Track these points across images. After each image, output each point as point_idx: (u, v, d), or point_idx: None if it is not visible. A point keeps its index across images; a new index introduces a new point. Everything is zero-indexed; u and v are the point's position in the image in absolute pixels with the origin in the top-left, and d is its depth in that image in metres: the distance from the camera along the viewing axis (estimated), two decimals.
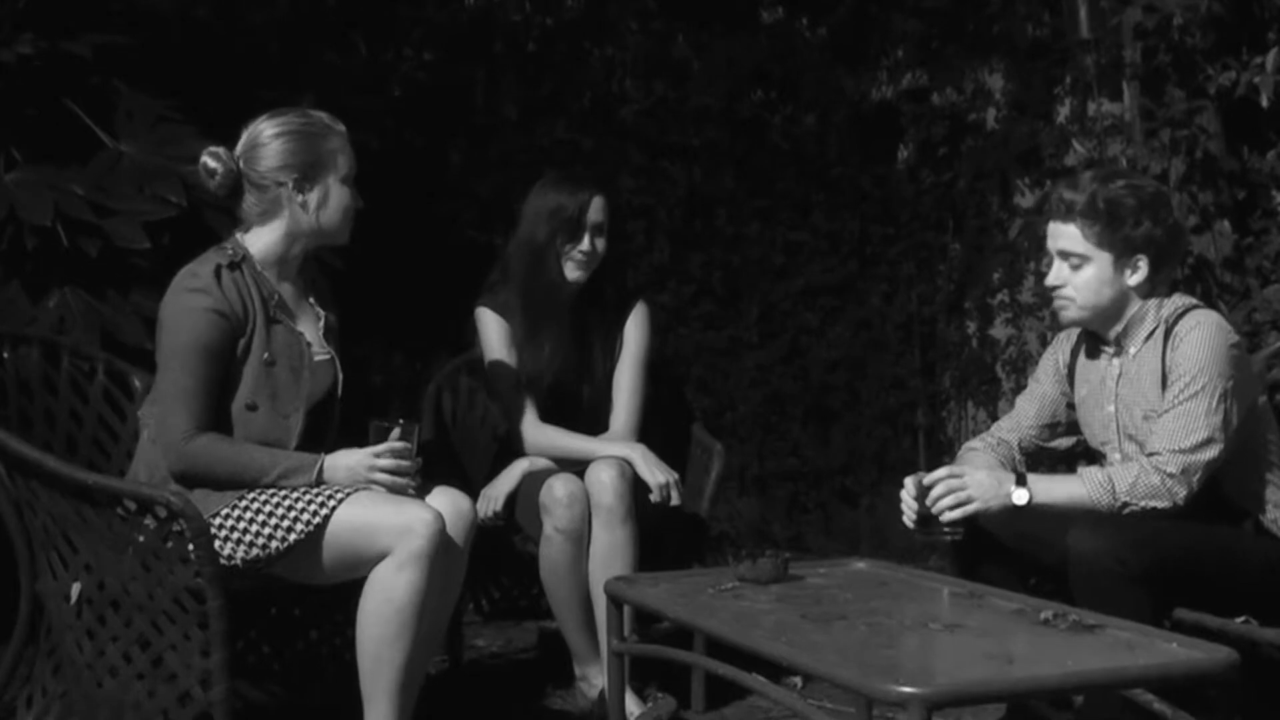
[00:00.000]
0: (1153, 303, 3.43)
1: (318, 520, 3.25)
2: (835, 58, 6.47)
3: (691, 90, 6.30)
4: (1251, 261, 5.12)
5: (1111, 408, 3.48)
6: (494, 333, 4.11)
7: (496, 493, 4.04)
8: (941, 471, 3.36)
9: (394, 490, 3.37)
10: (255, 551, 3.27)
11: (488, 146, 6.01)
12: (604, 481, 3.85)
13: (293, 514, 3.26)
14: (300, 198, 3.45)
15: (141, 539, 3.27)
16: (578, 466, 3.94)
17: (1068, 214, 3.40)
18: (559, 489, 3.85)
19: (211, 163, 3.46)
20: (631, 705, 3.74)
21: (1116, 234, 3.37)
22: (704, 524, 4.23)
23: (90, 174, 4.26)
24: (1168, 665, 2.53)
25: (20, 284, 4.17)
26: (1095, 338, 3.54)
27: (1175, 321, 3.38)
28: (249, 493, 3.31)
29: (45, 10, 4.35)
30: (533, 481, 3.97)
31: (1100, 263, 3.39)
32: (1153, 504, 3.26)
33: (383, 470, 3.36)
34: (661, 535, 4.01)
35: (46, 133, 4.32)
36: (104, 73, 4.39)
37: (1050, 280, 3.46)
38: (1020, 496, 3.28)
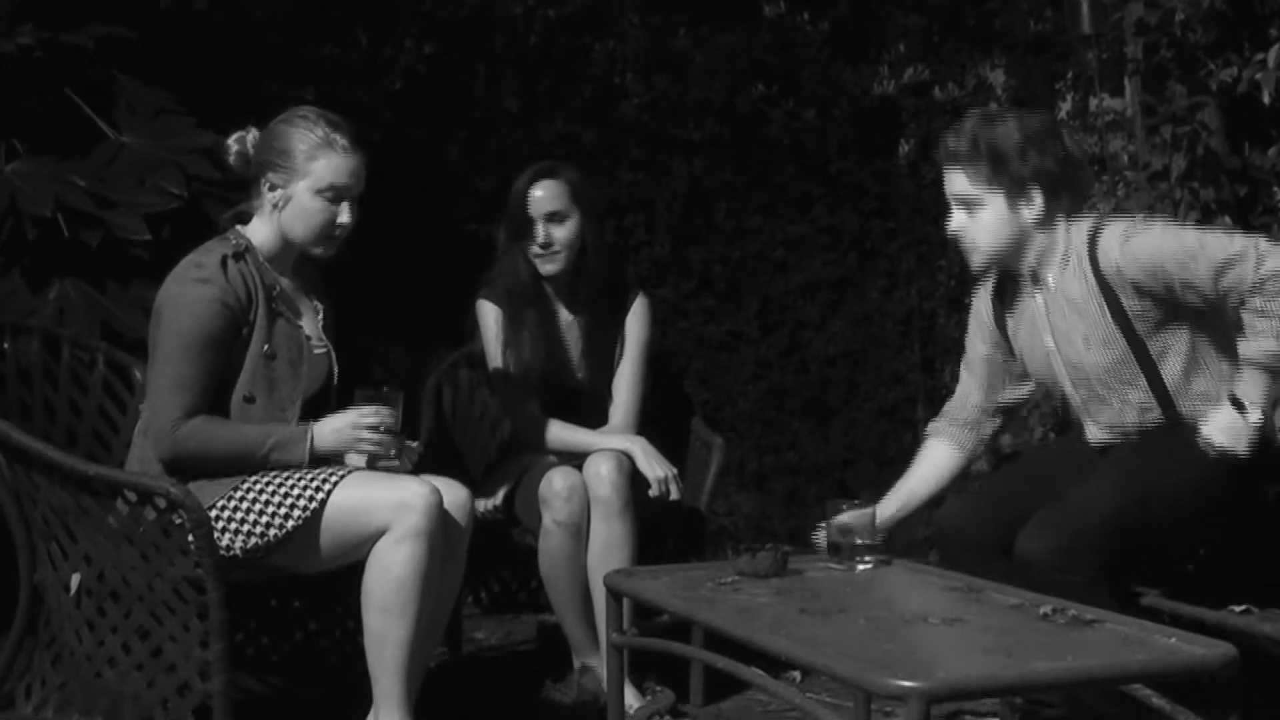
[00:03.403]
0: (1060, 230, 3.40)
1: (314, 505, 3.26)
2: (836, 52, 6.46)
3: (692, 84, 6.30)
4: None
5: (1049, 339, 3.46)
6: (493, 325, 4.11)
7: (496, 486, 4.05)
8: (854, 515, 3.34)
9: (381, 452, 3.39)
10: (254, 541, 3.27)
11: (488, 140, 6.01)
12: (602, 474, 3.85)
13: (289, 500, 3.27)
14: (270, 195, 3.46)
15: (141, 530, 3.27)
16: (577, 460, 3.94)
17: (953, 160, 3.41)
18: (558, 482, 3.85)
19: (232, 141, 3.54)
20: (630, 698, 3.74)
21: (1003, 173, 3.36)
22: (703, 518, 4.24)
23: (91, 165, 4.26)
24: (1167, 660, 2.53)
25: (21, 275, 4.18)
26: (1012, 278, 3.52)
27: (1093, 238, 3.34)
28: (244, 482, 3.32)
29: (47, 1, 4.34)
30: (532, 475, 3.98)
31: (994, 203, 3.39)
32: None
33: (369, 428, 3.37)
34: (661, 529, 4.01)
35: (47, 124, 4.32)
36: (105, 64, 4.39)
37: (951, 228, 3.45)
38: (1254, 416, 3.23)
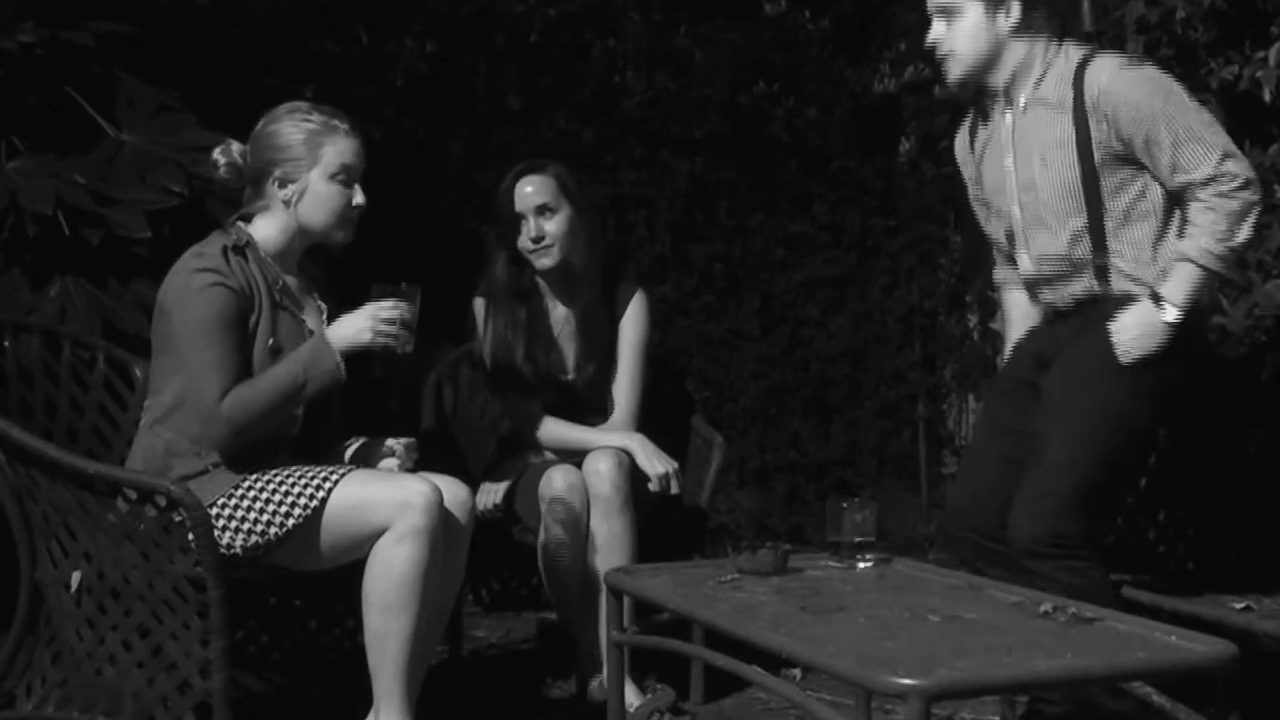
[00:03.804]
0: (1039, 47, 3.44)
1: (315, 503, 3.26)
2: (837, 50, 6.46)
3: (693, 82, 6.30)
4: (1253, 256, 5.11)
5: (1009, 159, 3.49)
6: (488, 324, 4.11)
7: (496, 485, 4.05)
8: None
9: (396, 345, 3.39)
10: (254, 539, 3.28)
11: (489, 137, 6.01)
12: (601, 472, 3.85)
13: (290, 499, 3.27)
14: (283, 192, 3.46)
15: (141, 528, 3.27)
16: (577, 457, 3.94)
17: None
18: (558, 480, 3.85)
19: (217, 155, 3.54)
20: (631, 696, 3.74)
21: None
22: (704, 515, 4.24)
23: (92, 163, 4.26)
24: (1167, 659, 2.53)
25: (21, 273, 4.17)
26: (984, 103, 3.55)
27: (1085, 62, 3.38)
28: (245, 480, 3.32)
29: None
30: (532, 473, 3.98)
31: (972, 11, 3.44)
32: (1253, 215, 3.27)
33: (386, 320, 3.38)
34: (661, 526, 4.01)
35: (48, 121, 4.32)
36: (106, 61, 4.39)
37: (930, 38, 3.51)
38: (1170, 314, 3.28)
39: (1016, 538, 3.24)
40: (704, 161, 6.29)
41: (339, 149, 3.48)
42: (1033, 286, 3.53)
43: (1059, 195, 3.40)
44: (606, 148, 6.14)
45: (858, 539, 3.29)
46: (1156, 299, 3.28)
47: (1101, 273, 3.38)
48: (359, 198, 3.51)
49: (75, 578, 3.38)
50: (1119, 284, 3.37)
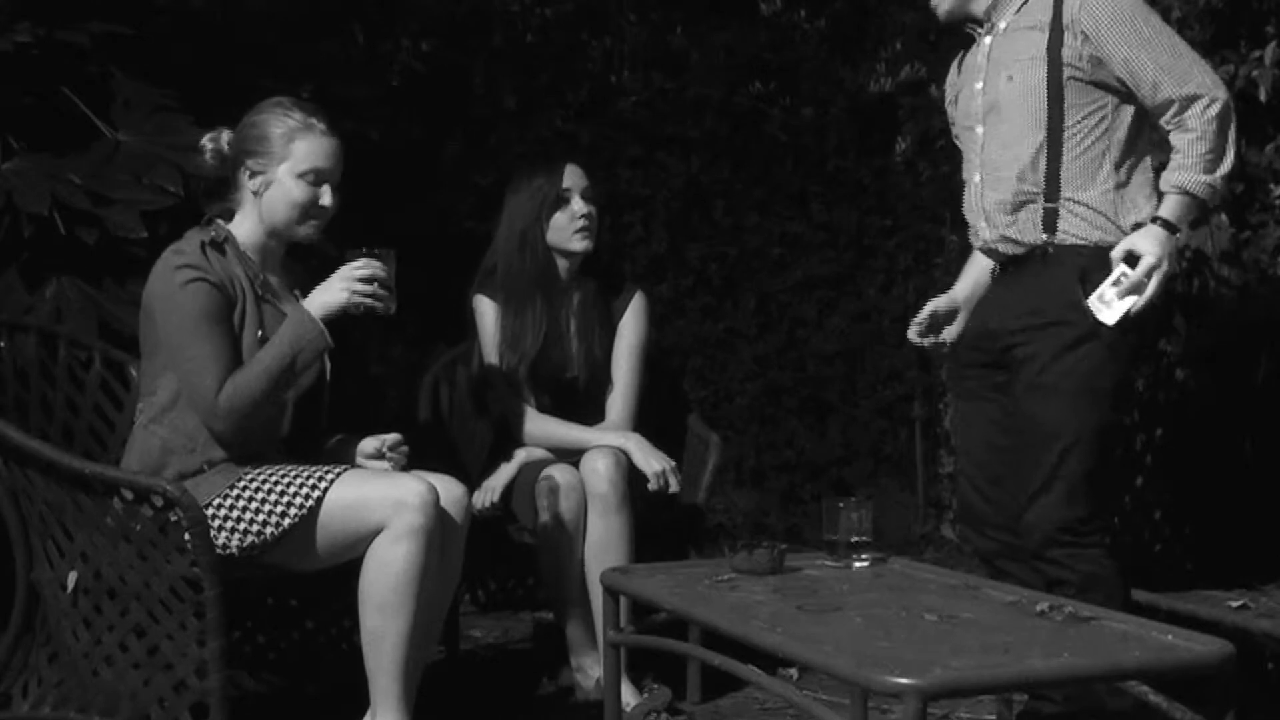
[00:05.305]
0: None
1: (310, 503, 3.27)
2: (833, 50, 6.47)
3: (689, 82, 6.30)
4: (1249, 255, 5.11)
5: (980, 84, 3.50)
6: (491, 321, 4.11)
7: (493, 484, 4.05)
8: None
9: (373, 304, 3.37)
10: (251, 539, 3.28)
11: (486, 137, 6.01)
12: (599, 470, 3.85)
13: (285, 499, 3.27)
14: (251, 183, 3.47)
15: (138, 528, 3.27)
16: (574, 457, 3.94)
17: None
18: (555, 479, 3.86)
19: (206, 141, 3.56)
20: (628, 695, 3.74)
21: None
22: (700, 515, 4.24)
23: (88, 163, 4.25)
24: (1164, 658, 2.53)
25: (17, 273, 4.16)
26: (971, 31, 3.56)
27: None
28: (241, 480, 3.32)
29: None
30: (529, 472, 3.98)
31: None
32: (1233, 133, 3.31)
33: (361, 280, 3.36)
34: (657, 526, 4.01)
35: (44, 121, 4.31)
36: (102, 61, 4.38)
37: None
38: (1182, 236, 3.34)
39: (1032, 534, 3.28)
40: (700, 161, 6.30)
41: (310, 148, 3.46)
42: (987, 243, 3.49)
43: (1021, 108, 3.38)
44: (603, 147, 6.15)
45: (854, 538, 3.29)
46: (1156, 220, 3.28)
47: (1050, 220, 3.36)
48: (326, 199, 3.48)
49: (72, 578, 3.38)
50: (1065, 234, 3.35)
